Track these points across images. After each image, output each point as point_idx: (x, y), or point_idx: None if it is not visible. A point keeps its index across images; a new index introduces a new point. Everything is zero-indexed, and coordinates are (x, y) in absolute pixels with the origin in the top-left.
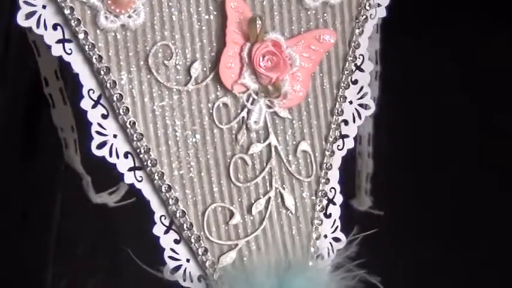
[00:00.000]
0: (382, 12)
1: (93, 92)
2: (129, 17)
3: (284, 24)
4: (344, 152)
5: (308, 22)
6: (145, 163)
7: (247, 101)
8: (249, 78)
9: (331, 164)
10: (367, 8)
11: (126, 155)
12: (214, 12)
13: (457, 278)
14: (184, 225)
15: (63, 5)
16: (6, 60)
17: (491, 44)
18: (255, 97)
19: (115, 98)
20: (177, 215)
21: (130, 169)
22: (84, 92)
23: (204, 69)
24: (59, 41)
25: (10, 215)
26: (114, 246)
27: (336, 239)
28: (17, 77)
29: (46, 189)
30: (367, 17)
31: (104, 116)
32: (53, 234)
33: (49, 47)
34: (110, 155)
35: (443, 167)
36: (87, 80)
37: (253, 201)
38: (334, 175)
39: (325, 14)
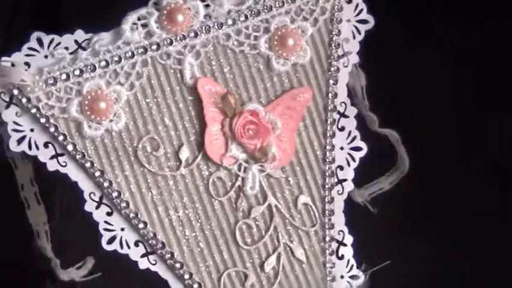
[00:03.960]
0: (354, 59)
1: (94, 195)
2: (111, 121)
3: (259, 92)
4: (345, 196)
5: (282, 85)
6: (154, 247)
7: (239, 170)
8: (236, 150)
9: (332, 210)
10: (337, 59)
11: (136, 244)
12: (190, 98)
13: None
14: None
15: (47, 125)
16: None
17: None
18: (246, 165)
19: (114, 195)
20: (195, 287)
21: (142, 255)
22: (86, 196)
23: (192, 150)
24: (52, 157)
25: (10, 215)
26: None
27: (353, 277)
28: None
29: (46, 189)
30: (338, 67)
31: (109, 214)
32: (53, 234)
33: (44, 164)
34: (121, 247)
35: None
36: (86, 185)
37: (264, 260)
38: (339, 219)
39: (297, 74)
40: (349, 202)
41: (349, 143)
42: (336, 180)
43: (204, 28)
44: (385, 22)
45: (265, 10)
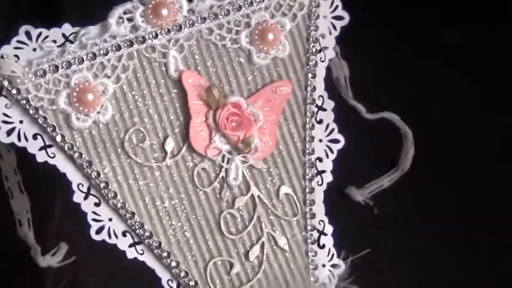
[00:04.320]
0: (331, 54)
1: (82, 186)
2: (98, 113)
3: (241, 86)
4: (324, 187)
5: (263, 78)
6: (142, 237)
7: (223, 161)
8: (219, 141)
9: (313, 200)
10: (315, 53)
11: (124, 234)
12: (175, 90)
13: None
14: (190, 284)
15: (36, 116)
16: None
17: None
18: (229, 156)
19: (102, 186)
20: (181, 275)
21: (130, 245)
22: (74, 187)
23: (177, 142)
24: (41, 148)
25: (10, 215)
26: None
27: (334, 266)
28: None
29: (46, 189)
30: (316, 61)
31: (97, 204)
32: (53, 233)
33: (33, 155)
34: (109, 237)
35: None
36: (74, 176)
37: (248, 249)
38: (319, 209)
39: (277, 68)
40: (328, 194)
41: (328, 135)
42: (315, 171)
43: (187, 22)
44: (373, 20)
45: (246, 5)
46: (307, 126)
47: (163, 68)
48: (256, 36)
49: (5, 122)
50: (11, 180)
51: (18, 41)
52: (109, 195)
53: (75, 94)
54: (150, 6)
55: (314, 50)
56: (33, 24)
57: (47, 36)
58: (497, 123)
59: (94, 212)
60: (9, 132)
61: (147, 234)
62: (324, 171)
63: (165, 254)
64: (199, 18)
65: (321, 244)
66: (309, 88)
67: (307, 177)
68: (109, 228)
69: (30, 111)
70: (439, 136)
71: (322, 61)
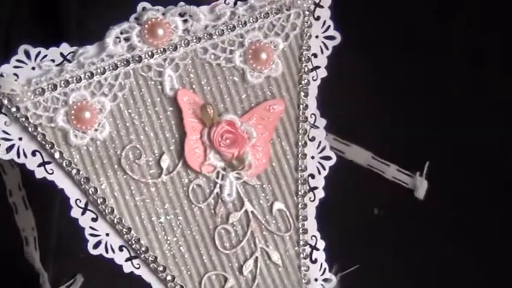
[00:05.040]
0: (323, 73)
1: (80, 201)
2: (96, 130)
3: (235, 104)
4: (316, 203)
5: (256, 97)
6: (138, 252)
7: (218, 178)
8: (214, 158)
9: (305, 216)
10: (307, 72)
11: (121, 248)
12: (170, 108)
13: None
14: None
15: (35, 133)
16: None
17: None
18: (224, 173)
19: (99, 202)
20: None
21: (127, 259)
22: (72, 202)
23: (173, 159)
24: (40, 165)
25: (10, 215)
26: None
27: (326, 280)
28: None
29: (46, 189)
30: (308, 80)
31: (94, 219)
32: (53, 234)
33: (32, 171)
34: (106, 252)
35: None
36: (72, 192)
37: (242, 263)
38: (311, 224)
39: (270, 87)
40: (320, 210)
41: (320, 153)
42: (308, 187)
43: (183, 42)
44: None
45: (240, 25)
46: (300, 143)
47: (159, 87)
48: (249, 56)
49: (4, 139)
50: (16, 195)
51: (17, 60)
52: (106, 210)
53: (73, 112)
54: (146, 26)
55: (306, 69)
56: (33, 33)
57: (45, 56)
58: (497, 123)
59: (91, 227)
60: (8, 149)
61: (143, 249)
62: (316, 188)
63: (160, 268)
64: (194, 38)
65: (313, 259)
66: (301, 106)
67: (299, 193)
68: (106, 243)
69: (29, 129)
70: (433, 140)
71: (315, 80)
